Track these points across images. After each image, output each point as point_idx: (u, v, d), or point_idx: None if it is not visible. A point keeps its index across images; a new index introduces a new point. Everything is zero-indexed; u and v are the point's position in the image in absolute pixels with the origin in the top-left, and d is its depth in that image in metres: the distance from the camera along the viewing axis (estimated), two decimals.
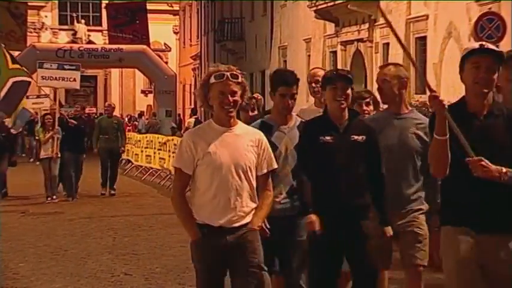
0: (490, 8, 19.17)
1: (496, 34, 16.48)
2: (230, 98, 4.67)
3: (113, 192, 18.42)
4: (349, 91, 5.39)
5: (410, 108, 6.04)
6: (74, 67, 18.77)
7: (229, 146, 4.72)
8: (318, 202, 5.37)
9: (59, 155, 17.06)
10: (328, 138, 5.37)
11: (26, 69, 20.28)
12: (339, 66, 29.12)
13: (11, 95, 20.30)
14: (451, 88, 20.95)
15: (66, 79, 18.24)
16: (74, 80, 18.34)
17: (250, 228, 4.73)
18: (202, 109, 46.41)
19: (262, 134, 4.95)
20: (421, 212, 5.70)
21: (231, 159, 4.69)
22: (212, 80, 4.70)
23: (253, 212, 4.77)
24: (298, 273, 5.66)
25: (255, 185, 4.79)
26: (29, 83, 18.69)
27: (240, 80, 4.73)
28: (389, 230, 5.46)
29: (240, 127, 4.86)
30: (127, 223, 13.79)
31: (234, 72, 4.74)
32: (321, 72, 6.89)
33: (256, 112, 6.96)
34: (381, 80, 5.85)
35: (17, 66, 20.46)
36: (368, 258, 5.30)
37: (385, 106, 6.08)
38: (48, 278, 8.97)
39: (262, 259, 4.80)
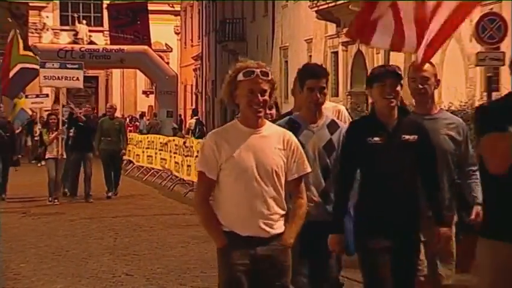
0: (491, 9, 19.17)
1: (498, 35, 16.46)
2: (260, 97, 4.29)
3: (114, 195, 18.15)
4: (398, 88, 4.98)
5: (438, 108, 5.64)
6: (76, 66, 18.46)
7: (254, 149, 4.32)
8: (366, 209, 4.95)
9: (64, 156, 16.93)
10: (376, 139, 4.93)
11: (35, 56, 20.05)
12: (340, 67, 29.21)
13: (17, 79, 20.19)
14: (452, 89, 20.97)
15: (69, 78, 17.92)
16: (77, 79, 18.01)
17: (282, 245, 4.35)
18: (203, 110, 46.53)
19: (292, 134, 4.53)
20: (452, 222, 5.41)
21: (256, 164, 4.30)
22: (240, 77, 4.32)
23: (282, 219, 4.36)
24: (327, 284, 5.35)
25: (283, 192, 4.37)
26: (38, 71, 18.46)
27: (270, 77, 4.36)
28: (446, 232, 5.10)
29: (268, 128, 4.44)
30: (128, 224, 13.79)
31: (264, 70, 4.37)
32: None
33: (274, 110, 6.62)
34: (421, 78, 5.45)
35: (29, 53, 20.23)
36: (414, 274, 4.99)
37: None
38: (49, 279, 8.96)
39: (289, 280, 4.47)
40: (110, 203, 17.22)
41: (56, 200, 16.61)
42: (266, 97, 4.32)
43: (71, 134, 17.43)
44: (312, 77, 5.32)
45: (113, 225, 13.56)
